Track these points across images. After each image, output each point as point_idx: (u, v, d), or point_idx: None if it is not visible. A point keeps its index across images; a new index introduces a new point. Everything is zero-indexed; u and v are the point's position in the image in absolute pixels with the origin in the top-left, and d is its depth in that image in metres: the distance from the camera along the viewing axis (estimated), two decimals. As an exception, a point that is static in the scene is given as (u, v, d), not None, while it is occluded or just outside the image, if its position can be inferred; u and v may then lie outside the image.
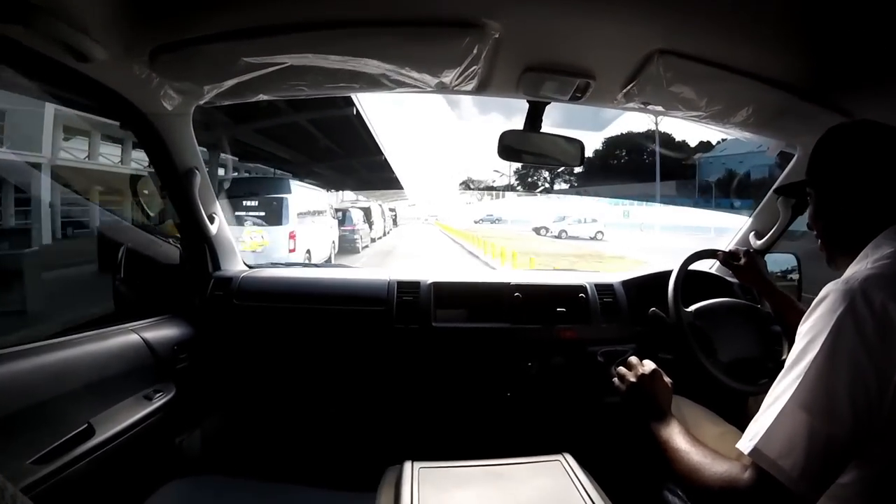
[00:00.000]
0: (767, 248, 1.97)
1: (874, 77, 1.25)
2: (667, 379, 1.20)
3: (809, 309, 0.84)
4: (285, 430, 1.89)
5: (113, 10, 1.03)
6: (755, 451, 0.79)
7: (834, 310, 0.79)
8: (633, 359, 1.27)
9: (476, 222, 40.81)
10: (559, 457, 1.26)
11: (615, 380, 1.27)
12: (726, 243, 2.17)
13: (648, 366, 1.22)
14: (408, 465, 1.19)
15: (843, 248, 0.97)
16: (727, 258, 1.64)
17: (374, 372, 1.85)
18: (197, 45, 1.16)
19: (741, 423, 1.26)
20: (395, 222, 29.80)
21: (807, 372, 0.78)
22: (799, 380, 0.79)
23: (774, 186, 1.88)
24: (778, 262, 2.02)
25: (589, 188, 51.32)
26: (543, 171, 49.65)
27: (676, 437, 1.06)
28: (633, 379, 1.21)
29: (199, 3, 1.07)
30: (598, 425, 1.87)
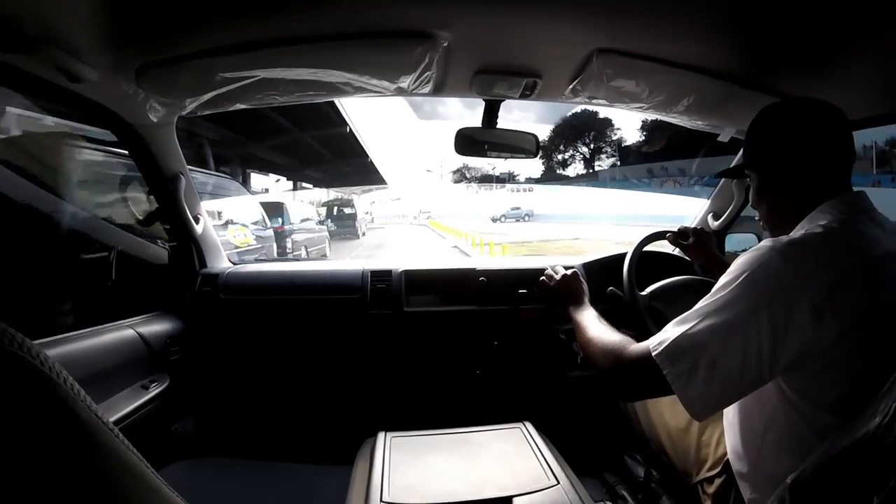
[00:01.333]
0: (725, 228, 2.07)
1: (810, 60, 1.31)
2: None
3: (741, 255, 0.91)
4: (273, 413, 1.99)
5: (102, 34, 1.13)
6: (659, 352, 0.90)
7: (754, 259, 0.87)
8: (552, 269, 1.53)
9: (497, 220, 32.88)
10: (520, 424, 1.38)
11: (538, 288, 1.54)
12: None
13: (563, 271, 1.51)
14: (381, 435, 1.32)
15: (784, 226, 1.01)
16: (676, 238, 1.73)
17: (352, 354, 1.96)
18: (178, 62, 1.27)
19: None
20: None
21: (713, 302, 0.88)
22: (706, 304, 0.89)
23: (717, 173, 2.00)
24: (740, 241, 2.14)
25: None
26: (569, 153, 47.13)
27: (587, 318, 1.26)
28: (552, 282, 1.49)
29: (179, 26, 1.18)
30: (560, 397, 2.00)
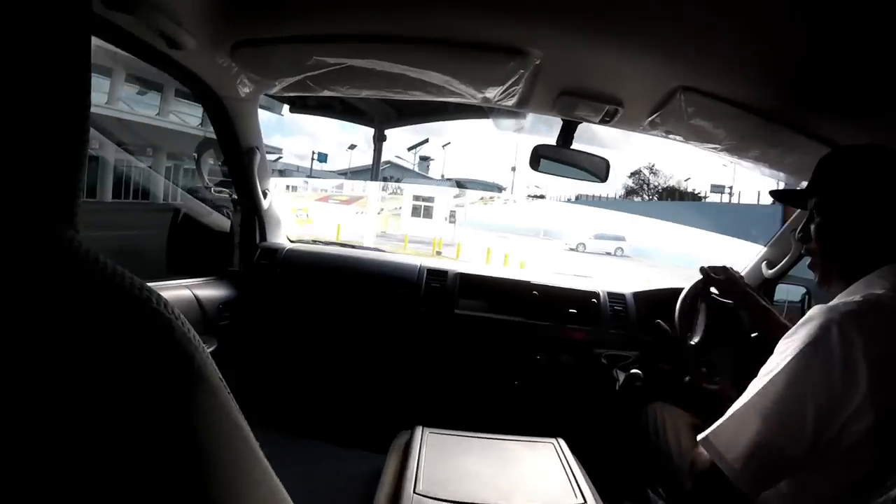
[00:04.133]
0: (777, 278, 2.03)
1: (881, 117, 1.29)
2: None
3: (794, 327, 0.89)
4: (312, 392, 2.03)
5: (204, 6, 1.17)
6: (705, 440, 0.90)
7: (809, 334, 0.83)
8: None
9: (576, 249, 20.72)
10: (553, 440, 1.39)
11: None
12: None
13: None
14: (418, 429, 1.34)
15: (838, 272, 0.97)
16: (707, 274, 1.66)
17: (398, 346, 1.99)
18: (274, 43, 1.31)
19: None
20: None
21: (768, 383, 0.86)
22: (760, 388, 0.87)
23: (791, 225, 1.92)
24: (789, 292, 2.11)
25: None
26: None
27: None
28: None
29: (280, 8, 1.22)
30: (594, 420, 1.98)
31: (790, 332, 0.89)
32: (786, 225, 2.00)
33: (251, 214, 1.99)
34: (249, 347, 1.93)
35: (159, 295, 0.32)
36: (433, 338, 1.98)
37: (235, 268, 2.00)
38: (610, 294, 2.09)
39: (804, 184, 1.76)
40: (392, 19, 1.23)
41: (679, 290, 1.78)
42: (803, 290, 2.09)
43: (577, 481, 1.19)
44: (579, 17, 1.13)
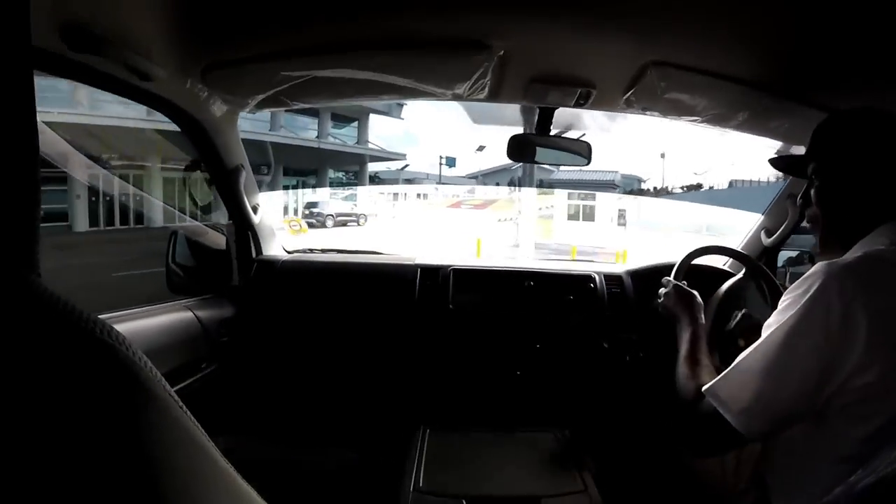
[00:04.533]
0: (777, 245, 2.03)
1: (867, 77, 1.29)
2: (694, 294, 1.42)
3: (796, 282, 0.90)
4: (316, 400, 2.05)
5: (170, 37, 1.20)
6: (709, 390, 0.93)
7: (809, 289, 0.85)
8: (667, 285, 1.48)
9: None
10: (558, 431, 1.41)
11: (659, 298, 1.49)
12: (737, 241, 2.24)
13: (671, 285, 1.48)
14: (422, 429, 1.38)
15: (839, 235, 0.99)
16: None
17: (398, 348, 2.00)
18: (242, 63, 1.33)
19: None
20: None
21: (770, 337, 0.88)
22: (762, 342, 0.89)
23: (786, 191, 1.92)
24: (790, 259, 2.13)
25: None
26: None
27: (685, 347, 1.23)
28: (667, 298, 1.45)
29: (243, 29, 1.24)
30: (600, 406, 1.99)
31: (791, 287, 0.90)
32: (781, 191, 1.99)
33: (244, 230, 2.02)
34: (252, 362, 1.96)
35: (104, 324, 0.35)
36: (432, 336, 1.98)
37: (236, 283, 2.03)
38: (606, 276, 2.08)
39: (795, 148, 1.77)
40: (353, 27, 1.25)
41: (673, 264, 1.78)
42: (806, 254, 2.09)
43: (579, 470, 1.22)
44: (539, 5, 1.14)
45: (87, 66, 1.18)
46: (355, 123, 26.68)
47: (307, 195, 24.24)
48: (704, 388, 0.95)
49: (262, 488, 0.45)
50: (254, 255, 2.07)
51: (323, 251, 2.39)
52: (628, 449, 1.82)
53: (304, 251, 2.35)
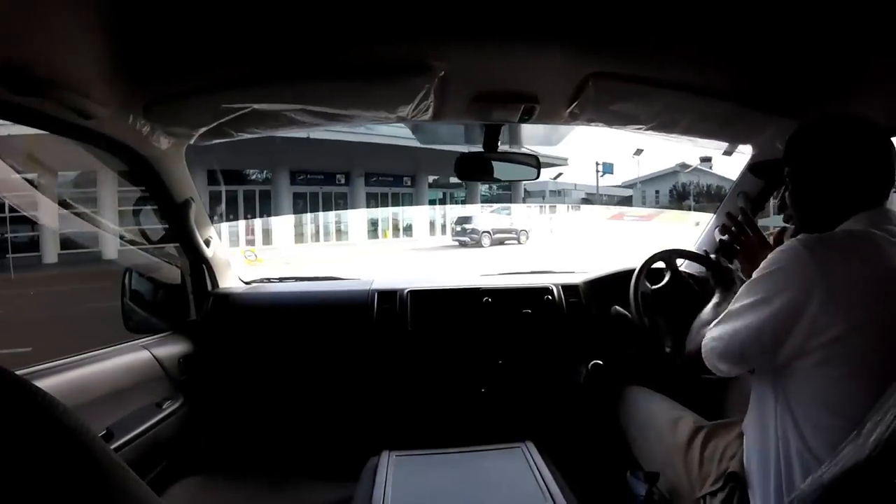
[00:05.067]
0: None
1: (807, 79, 1.34)
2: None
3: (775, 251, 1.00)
4: (281, 431, 2.03)
5: (109, 74, 1.18)
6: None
7: (774, 257, 0.97)
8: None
9: None
10: (521, 444, 1.42)
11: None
12: (693, 241, 2.28)
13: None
14: (385, 454, 1.37)
15: (816, 230, 1.03)
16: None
17: (360, 374, 1.98)
18: (183, 97, 1.33)
19: (704, 410, 1.50)
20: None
21: (740, 298, 1.03)
22: (734, 304, 1.04)
23: (737, 188, 1.97)
24: None
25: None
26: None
27: (713, 306, 1.33)
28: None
29: (183, 63, 1.23)
30: (564, 416, 2.00)
31: (771, 254, 1.00)
32: (732, 189, 2.04)
33: (198, 264, 1.99)
34: (216, 397, 1.93)
35: (31, 386, 0.38)
36: (393, 359, 1.97)
37: (193, 317, 2.00)
38: (563, 286, 2.10)
39: (743, 147, 1.82)
40: (291, 58, 1.25)
41: (631, 272, 1.81)
42: None
43: (546, 485, 1.21)
44: (477, 25, 1.15)
45: (26, 108, 1.16)
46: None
47: (455, 209, 22.79)
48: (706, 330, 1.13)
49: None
50: (209, 288, 2.03)
51: (280, 280, 2.37)
52: (593, 457, 1.83)
53: (261, 280, 2.32)
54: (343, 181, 20.73)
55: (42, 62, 1.02)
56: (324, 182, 20.41)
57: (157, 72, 1.25)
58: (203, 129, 1.48)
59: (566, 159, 25.56)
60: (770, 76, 1.37)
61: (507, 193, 25.06)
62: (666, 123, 1.59)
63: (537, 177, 1.77)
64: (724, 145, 1.89)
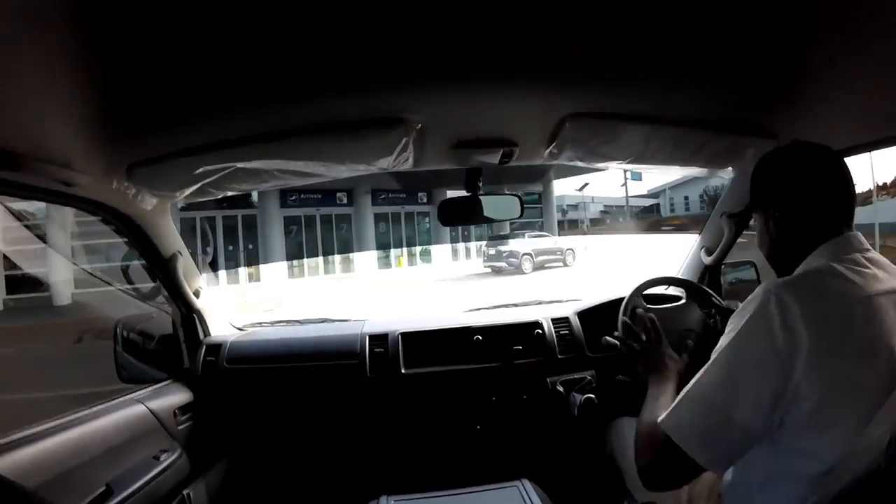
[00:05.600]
0: (718, 263, 2.06)
1: (780, 99, 1.35)
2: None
3: (741, 306, 0.95)
4: (281, 478, 2.03)
5: (90, 144, 1.20)
6: (664, 420, 0.95)
7: (751, 307, 0.91)
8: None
9: None
10: (517, 483, 1.41)
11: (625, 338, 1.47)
12: (677, 267, 2.30)
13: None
14: (383, 499, 1.36)
15: (787, 267, 1.04)
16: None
17: (354, 418, 1.99)
18: (164, 160, 1.35)
19: None
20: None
21: (715, 359, 0.93)
22: (712, 365, 0.93)
23: (720, 210, 1.97)
24: (738, 270, 2.13)
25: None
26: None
27: (654, 392, 1.21)
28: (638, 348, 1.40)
29: (162, 128, 1.26)
30: (560, 452, 2.01)
31: (738, 310, 0.95)
32: (716, 210, 2.04)
33: (189, 314, 2.00)
34: (213, 446, 1.93)
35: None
36: (386, 403, 1.98)
37: (188, 366, 2.00)
38: (553, 319, 2.11)
39: (725, 171, 1.82)
40: (268, 116, 1.28)
41: (621, 300, 1.82)
42: (750, 267, 2.12)
43: None
44: (448, 76, 1.18)
45: (8, 181, 1.17)
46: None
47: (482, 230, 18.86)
48: (659, 420, 0.96)
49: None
50: (201, 337, 2.04)
51: (273, 324, 2.38)
52: (590, 491, 1.84)
53: (253, 325, 2.33)
54: (345, 200, 17.81)
55: (21, 137, 1.04)
56: (321, 202, 17.36)
57: (138, 137, 1.28)
58: (187, 190, 1.49)
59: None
60: (741, 98, 1.38)
61: (537, 204, 22.51)
62: (645, 155, 1.59)
63: (521, 215, 1.78)
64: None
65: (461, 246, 20.01)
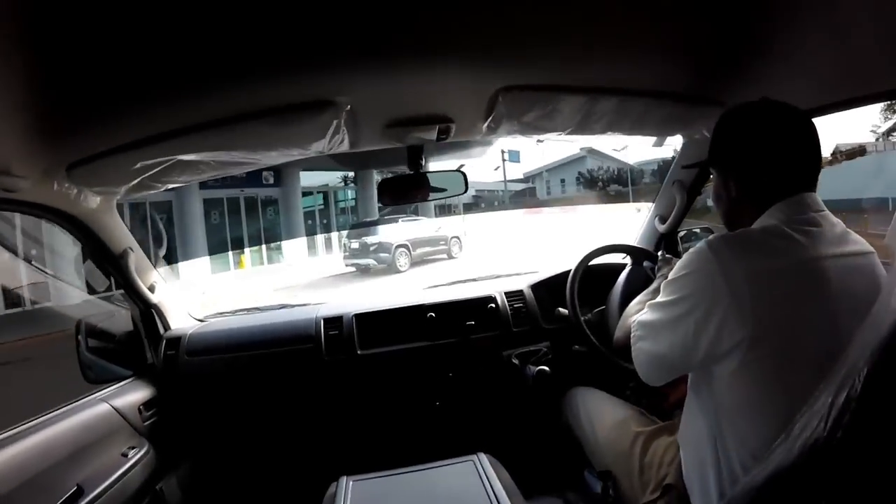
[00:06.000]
0: (673, 230, 2.10)
1: (734, 67, 1.35)
2: None
3: (681, 259, 1.01)
4: (245, 465, 2.07)
5: (27, 146, 1.20)
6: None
7: (686, 259, 0.97)
8: None
9: None
10: (473, 457, 1.44)
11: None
12: (634, 236, 2.33)
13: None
14: (343, 479, 1.40)
15: (742, 225, 1.03)
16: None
17: (313, 402, 2.02)
18: (102, 157, 1.35)
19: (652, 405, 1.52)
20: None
21: (655, 307, 1.04)
22: (649, 311, 1.06)
23: (672, 178, 2.01)
24: (696, 237, 2.16)
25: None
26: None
27: (634, 306, 1.37)
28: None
29: (96, 126, 1.27)
30: (518, 423, 2.05)
31: (679, 260, 1.03)
32: (668, 177, 2.07)
33: (147, 309, 2.01)
34: (180, 439, 1.96)
35: None
36: (344, 384, 2.00)
37: (150, 361, 2.03)
38: (507, 293, 2.14)
39: (673, 139, 1.85)
40: (198, 106, 1.28)
41: (569, 272, 1.87)
42: (706, 232, 2.17)
43: (496, 495, 1.25)
44: (371, 57, 1.18)
45: None
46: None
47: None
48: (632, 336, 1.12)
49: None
50: (161, 331, 2.06)
51: (234, 312, 2.40)
52: (547, 461, 1.89)
53: (214, 315, 2.35)
54: (271, 180, 15.35)
55: None
56: (246, 183, 14.55)
57: (74, 136, 1.28)
58: (128, 185, 1.50)
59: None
60: (685, 66, 1.39)
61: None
62: (584, 126, 1.58)
63: (465, 190, 1.80)
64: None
65: (321, 239, 17.08)
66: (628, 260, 1.98)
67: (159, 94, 1.21)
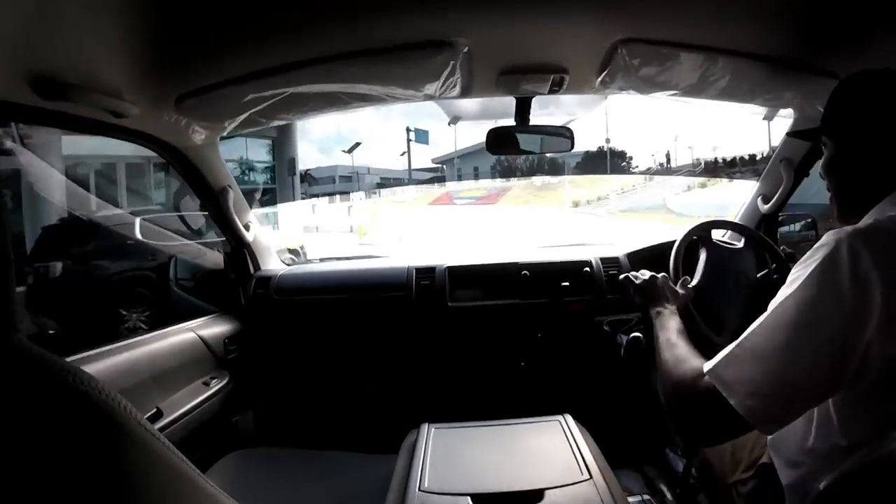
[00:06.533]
0: (776, 211, 1.98)
1: (852, 37, 1.26)
2: (672, 285, 1.38)
3: (807, 253, 0.82)
4: (324, 405, 2.11)
5: (139, 74, 1.21)
6: (712, 371, 0.83)
7: (818, 257, 0.78)
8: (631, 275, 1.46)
9: None
10: (560, 417, 1.40)
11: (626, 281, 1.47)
12: (735, 212, 2.21)
13: (647, 273, 1.43)
14: (424, 426, 1.38)
15: (855, 203, 0.92)
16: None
17: (400, 349, 2.04)
18: (213, 90, 1.35)
19: None
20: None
21: (779, 311, 0.80)
22: (770, 317, 0.81)
23: (779, 156, 1.87)
24: (796, 222, 2.08)
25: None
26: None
27: (668, 331, 1.12)
28: (638, 282, 1.41)
29: (212, 57, 1.26)
30: (603, 389, 2.01)
31: (802, 259, 0.83)
32: (775, 155, 1.94)
33: (239, 248, 2.05)
34: (261, 374, 2.01)
35: (77, 372, 0.38)
36: (432, 335, 2.01)
37: (238, 298, 2.07)
38: (603, 259, 2.09)
39: (784, 111, 1.73)
40: (318, 42, 1.26)
41: (672, 243, 1.76)
42: (809, 219, 2.07)
43: (583, 458, 1.20)
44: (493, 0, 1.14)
45: (59, 113, 1.20)
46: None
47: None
48: (706, 368, 0.84)
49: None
50: (252, 271, 2.10)
51: (321, 260, 2.42)
52: (632, 431, 1.84)
53: (302, 262, 2.38)
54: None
55: (71, 68, 1.05)
56: None
57: (187, 66, 1.28)
58: (237, 120, 1.51)
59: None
60: (806, 33, 1.29)
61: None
62: (699, 88, 1.51)
63: (571, 148, 1.73)
64: (763, 110, 1.84)
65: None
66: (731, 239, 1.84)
67: (276, 26, 1.19)
